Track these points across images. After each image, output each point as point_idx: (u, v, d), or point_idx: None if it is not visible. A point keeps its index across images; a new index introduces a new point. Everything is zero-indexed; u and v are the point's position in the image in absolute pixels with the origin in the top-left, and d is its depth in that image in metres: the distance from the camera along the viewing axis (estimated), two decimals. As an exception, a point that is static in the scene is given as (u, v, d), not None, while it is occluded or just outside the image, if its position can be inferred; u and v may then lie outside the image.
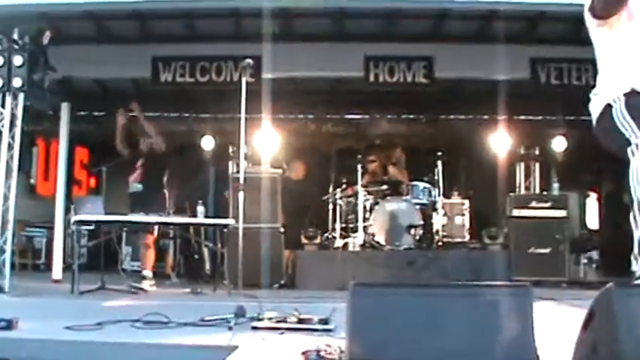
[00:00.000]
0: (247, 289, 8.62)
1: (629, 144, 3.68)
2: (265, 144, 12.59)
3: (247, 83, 9.14)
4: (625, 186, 3.75)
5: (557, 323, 5.58)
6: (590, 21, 4.05)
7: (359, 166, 11.57)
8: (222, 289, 9.31)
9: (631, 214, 3.67)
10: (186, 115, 14.08)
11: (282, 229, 10.72)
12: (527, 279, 10.09)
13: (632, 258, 3.68)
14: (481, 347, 3.14)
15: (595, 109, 4.06)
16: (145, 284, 9.61)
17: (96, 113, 13.86)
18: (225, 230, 9.47)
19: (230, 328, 5.23)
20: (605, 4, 3.89)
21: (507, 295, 3.19)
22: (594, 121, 4.07)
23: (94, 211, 9.11)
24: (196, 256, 12.27)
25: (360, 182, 11.49)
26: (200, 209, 10.03)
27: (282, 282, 10.48)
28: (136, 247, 12.03)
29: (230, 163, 11.83)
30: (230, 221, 9.49)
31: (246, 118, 9.05)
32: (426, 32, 11.71)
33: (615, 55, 4.00)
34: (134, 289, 9.29)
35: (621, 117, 3.78)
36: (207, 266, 12.04)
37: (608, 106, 3.91)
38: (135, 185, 10.39)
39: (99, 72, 12.07)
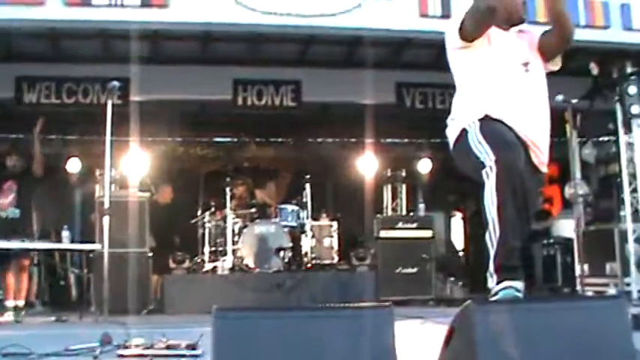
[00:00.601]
0: (115, 316, 8.42)
1: (484, 166, 3.84)
2: (133, 167, 12.40)
3: (115, 105, 9.02)
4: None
5: (423, 341, 5.71)
6: (454, 42, 4.22)
7: (227, 190, 11.57)
8: (89, 316, 9.11)
9: (486, 234, 3.83)
10: (52, 137, 13.73)
11: (150, 253, 10.57)
12: (395, 298, 10.31)
13: (487, 275, 3.84)
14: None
15: (452, 133, 4.24)
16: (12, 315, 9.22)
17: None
18: (91, 255, 9.28)
19: (95, 358, 5.09)
20: (476, 26, 4.07)
21: (370, 315, 3.25)
22: (451, 145, 4.25)
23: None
24: (62, 283, 11.97)
25: (228, 205, 11.47)
26: (65, 234, 9.75)
27: (151, 307, 10.31)
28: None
29: (97, 186, 11.60)
30: (96, 246, 9.30)
31: (113, 141, 8.92)
32: (293, 56, 11.86)
33: (472, 80, 4.20)
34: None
35: (476, 141, 3.96)
36: (74, 293, 11.76)
37: (464, 131, 4.09)
38: (12, 210, 9.93)
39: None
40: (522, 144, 4.03)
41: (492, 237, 3.79)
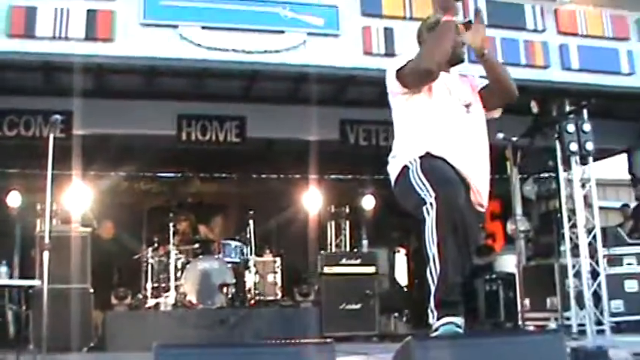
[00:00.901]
0: (54, 354, 8.28)
1: (424, 203, 3.89)
2: (75, 201, 12.25)
3: (57, 139, 8.91)
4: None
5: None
6: (394, 87, 4.29)
7: (171, 225, 11.49)
8: (27, 354, 8.92)
9: (427, 270, 3.87)
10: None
11: (91, 290, 10.41)
12: (339, 334, 10.35)
13: (429, 311, 3.87)
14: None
15: (393, 170, 4.30)
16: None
17: None
18: (30, 291, 9.11)
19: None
20: (414, 83, 4.19)
21: (312, 352, 3.27)
22: (393, 182, 4.30)
23: None
24: (-1, 320, 11.73)
25: (171, 241, 11.39)
26: (3, 269, 9.60)
27: (92, 344, 10.12)
28: None
29: (38, 220, 11.44)
30: (35, 282, 9.14)
31: (55, 175, 8.80)
32: (238, 92, 11.88)
33: (413, 119, 4.27)
34: None
35: (417, 178, 4.02)
36: (11, 330, 11.53)
37: (405, 168, 4.15)
38: None
39: None
40: (463, 182, 4.09)
41: (433, 273, 3.82)
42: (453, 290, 3.82)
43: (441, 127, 4.18)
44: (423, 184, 3.95)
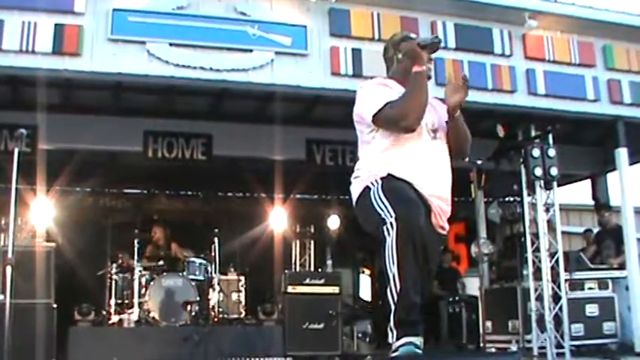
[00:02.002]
0: (16, 370, 8.23)
1: (384, 223, 3.90)
2: (40, 217, 12.18)
3: (23, 153, 8.85)
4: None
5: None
6: (364, 126, 4.33)
7: (136, 241, 11.43)
8: (-13, 370, 8.84)
9: (387, 289, 3.87)
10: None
11: (54, 305, 10.30)
12: (302, 354, 10.38)
13: (388, 330, 3.88)
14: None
15: (355, 190, 4.31)
16: None
17: None
18: (-9, 307, 9.00)
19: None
20: (393, 130, 4.22)
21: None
22: (354, 202, 4.32)
23: None
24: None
25: (136, 257, 11.33)
26: (-37, 285, 9.49)
27: (55, 360, 10.07)
28: None
29: (2, 235, 11.33)
30: (-4, 297, 9.05)
31: (19, 189, 8.74)
32: (205, 110, 11.87)
33: (377, 143, 4.29)
34: None
35: (377, 198, 4.03)
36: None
37: (367, 188, 4.16)
38: None
39: None
40: (424, 204, 4.11)
41: (393, 292, 3.83)
42: (412, 310, 3.83)
43: (405, 150, 4.20)
44: (384, 204, 3.96)
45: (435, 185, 4.23)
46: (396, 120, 4.15)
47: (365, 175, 4.27)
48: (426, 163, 4.21)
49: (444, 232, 4.32)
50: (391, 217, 3.88)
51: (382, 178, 4.12)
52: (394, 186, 4.07)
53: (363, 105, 4.30)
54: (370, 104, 4.24)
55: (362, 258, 17.33)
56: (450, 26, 10.29)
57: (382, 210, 3.96)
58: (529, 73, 10.69)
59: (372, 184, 4.13)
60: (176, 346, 10.30)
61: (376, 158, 4.26)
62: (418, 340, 3.84)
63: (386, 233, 3.88)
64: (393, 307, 3.84)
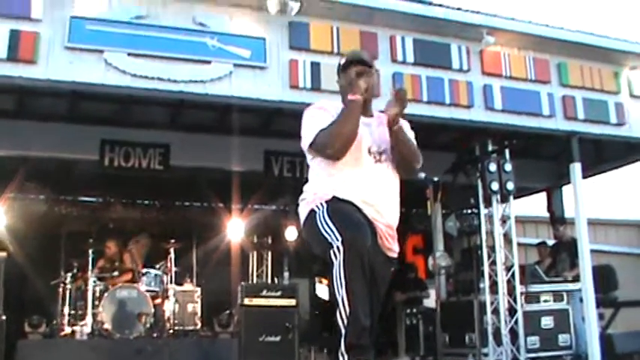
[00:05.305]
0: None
1: (331, 247, 3.89)
2: (-10, 224, 12.04)
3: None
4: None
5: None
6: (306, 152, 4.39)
7: (90, 251, 11.30)
8: None
9: (337, 312, 3.85)
10: None
11: (3, 317, 10.14)
12: (258, 366, 10.29)
13: (339, 354, 3.85)
14: None
15: (301, 213, 4.33)
16: None
17: None
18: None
19: None
20: (325, 158, 4.26)
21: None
22: (302, 225, 4.32)
23: None
24: None
25: (90, 267, 11.19)
26: None
27: (3, 374, 9.90)
28: None
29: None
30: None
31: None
32: (163, 120, 11.80)
33: (322, 167, 4.32)
34: None
35: (323, 222, 4.03)
36: None
37: (312, 212, 4.17)
38: None
39: None
40: (370, 226, 4.11)
41: (343, 316, 3.80)
42: (362, 334, 3.80)
43: (350, 174, 4.20)
44: (330, 228, 3.95)
45: (381, 208, 4.23)
46: (322, 148, 4.21)
47: (310, 197, 4.28)
48: (370, 186, 4.21)
49: (394, 255, 4.31)
50: (337, 240, 3.87)
51: (327, 201, 4.13)
52: (339, 208, 4.07)
53: (302, 133, 4.35)
54: (306, 133, 4.31)
55: (319, 269, 17.28)
56: (409, 41, 10.30)
57: (328, 234, 3.94)
58: (486, 89, 10.73)
59: (318, 207, 4.14)
60: (129, 359, 10.19)
61: (321, 182, 4.28)
62: (369, 364, 3.82)
63: (333, 257, 3.88)
64: (343, 332, 3.82)
